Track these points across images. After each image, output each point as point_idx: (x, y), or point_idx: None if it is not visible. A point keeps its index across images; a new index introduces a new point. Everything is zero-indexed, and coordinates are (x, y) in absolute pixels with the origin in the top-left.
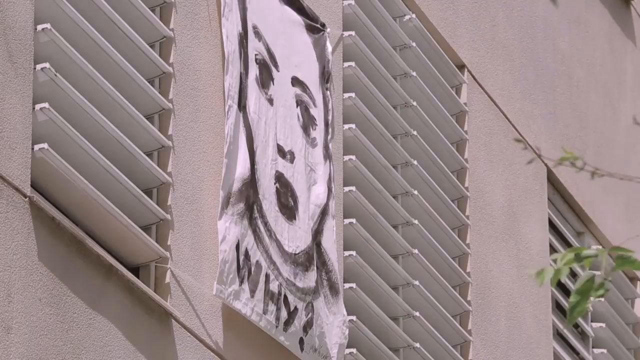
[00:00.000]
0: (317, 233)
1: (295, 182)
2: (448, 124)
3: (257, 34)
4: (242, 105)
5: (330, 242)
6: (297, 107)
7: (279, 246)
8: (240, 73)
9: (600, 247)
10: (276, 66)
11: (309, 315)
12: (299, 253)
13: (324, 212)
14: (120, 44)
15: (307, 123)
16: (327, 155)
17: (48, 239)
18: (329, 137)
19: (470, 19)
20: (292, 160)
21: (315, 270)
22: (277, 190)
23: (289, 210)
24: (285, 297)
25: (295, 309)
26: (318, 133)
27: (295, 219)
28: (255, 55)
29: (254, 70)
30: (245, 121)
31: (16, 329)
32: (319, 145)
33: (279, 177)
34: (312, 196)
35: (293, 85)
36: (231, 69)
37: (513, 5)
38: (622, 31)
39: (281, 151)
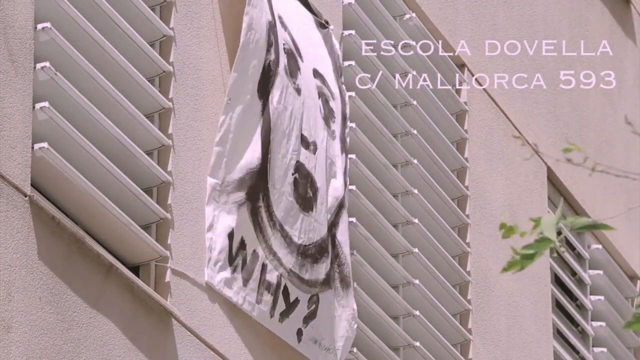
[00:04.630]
0: (332, 226)
1: (316, 174)
2: (448, 123)
3: (283, 24)
4: (263, 94)
5: (345, 235)
6: (319, 98)
7: (285, 237)
8: (270, 61)
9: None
10: (300, 57)
11: (312, 307)
12: (309, 245)
13: (341, 205)
14: (120, 42)
15: (328, 115)
16: (344, 149)
17: (48, 238)
18: (347, 130)
19: (470, 18)
20: (314, 151)
21: (329, 262)
22: (295, 181)
23: (306, 201)
24: (286, 287)
25: (297, 300)
26: (337, 126)
27: (312, 210)
28: (283, 44)
29: (283, 60)
30: (265, 111)
31: (16, 328)
32: (337, 138)
33: (299, 168)
34: (331, 189)
35: (314, 76)
36: (249, 57)
37: (513, 4)
38: (622, 30)
39: (305, 141)
